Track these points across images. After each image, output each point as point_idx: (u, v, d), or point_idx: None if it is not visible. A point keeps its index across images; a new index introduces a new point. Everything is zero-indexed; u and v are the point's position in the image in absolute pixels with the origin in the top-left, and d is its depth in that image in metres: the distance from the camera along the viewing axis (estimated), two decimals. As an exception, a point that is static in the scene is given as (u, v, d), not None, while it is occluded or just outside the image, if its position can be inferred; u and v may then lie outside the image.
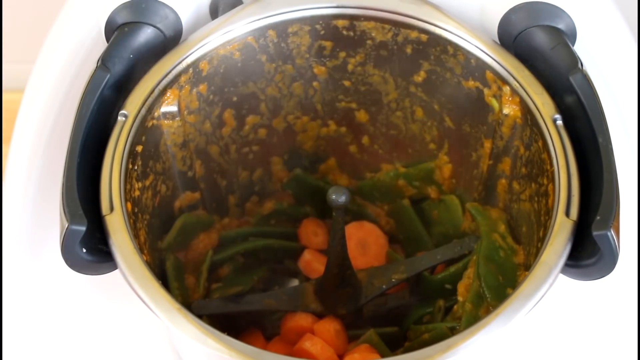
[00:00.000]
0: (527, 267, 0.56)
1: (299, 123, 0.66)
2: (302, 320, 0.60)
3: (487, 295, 0.56)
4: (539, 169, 0.55)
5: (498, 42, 0.58)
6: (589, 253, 0.49)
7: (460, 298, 0.59)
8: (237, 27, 0.59)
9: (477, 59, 0.58)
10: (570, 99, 0.54)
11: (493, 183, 0.61)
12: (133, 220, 0.53)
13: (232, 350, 0.46)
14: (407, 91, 0.63)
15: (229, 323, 0.61)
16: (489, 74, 0.58)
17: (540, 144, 0.54)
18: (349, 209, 0.67)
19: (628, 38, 0.64)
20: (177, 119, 0.59)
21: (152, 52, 0.57)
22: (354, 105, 0.65)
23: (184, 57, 0.58)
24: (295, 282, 0.67)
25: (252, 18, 0.59)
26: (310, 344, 0.58)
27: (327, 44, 0.62)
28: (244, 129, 0.65)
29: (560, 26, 0.57)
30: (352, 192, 0.66)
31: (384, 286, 0.61)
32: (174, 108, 0.58)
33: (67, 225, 0.48)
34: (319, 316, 0.61)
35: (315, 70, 0.63)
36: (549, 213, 0.52)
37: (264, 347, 0.59)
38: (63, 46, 0.64)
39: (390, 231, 0.68)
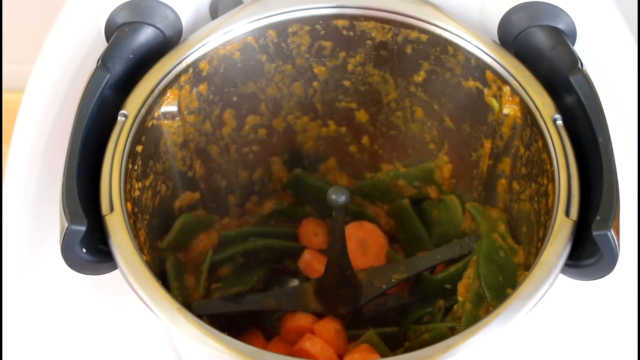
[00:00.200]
0: (527, 267, 0.56)
1: (299, 123, 0.66)
2: (302, 320, 0.60)
3: (487, 295, 0.56)
4: (539, 169, 0.55)
5: (498, 42, 0.58)
6: (589, 253, 0.49)
7: (460, 298, 0.59)
8: (237, 27, 0.59)
9: (477, 59, 0.58)
10: (570, 99, 0.54)
11: (493, 183, 0.61)
12: (133, 220, 0.53)
13: (232, 350, 0.46)
14: (407, 91, 0.63)
15: (229, 323, 0.61)
16: (489, 74, 0.58)
17: (540, 144, 0.54)
18: (349, 209, 0.67)
19: (628, 38, 0.64)
20: (177, 119, 0.59)
21: (152, 52, 0.57)
22: (354, 105, 0.65)
23: (184, 57, 0.58)
24: (295, 282, 0.67)
25: (252, 18, 0.59)
26: (310, 344, 0.58)
27: (327, 44, 0.62)
28: (244, 129, 0.65)
29: (560, 26, 0.57)
30: (352, 192, 0.66)
31: (384, 286, 0.61)
32: (174, 108, 0.58)
33: (67, 225, 0.48)
34: (319, 316, 0.61)
35: (315, 70, 0.63)
36: (549, 213, 0.52)
37: (264, 347, 0.59)
38: (63, 46, 0.64)
39: (390, 231, 0.68)
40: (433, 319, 0.61)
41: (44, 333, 0.60)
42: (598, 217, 0.48)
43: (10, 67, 1.01)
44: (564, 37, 0.56)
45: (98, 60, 0.55)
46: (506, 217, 0.60)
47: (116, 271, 0.50)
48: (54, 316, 0.60)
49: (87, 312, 0.60)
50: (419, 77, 0.62)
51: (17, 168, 0.62)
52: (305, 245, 0.68)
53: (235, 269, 0.65)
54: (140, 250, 0.50)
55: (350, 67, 0.63)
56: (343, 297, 0.60)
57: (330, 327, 0.60)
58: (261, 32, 0.60)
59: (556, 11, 0.57)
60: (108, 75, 0.54)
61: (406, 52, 0.61)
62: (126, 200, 0.52)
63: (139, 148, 0.55)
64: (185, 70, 0.58)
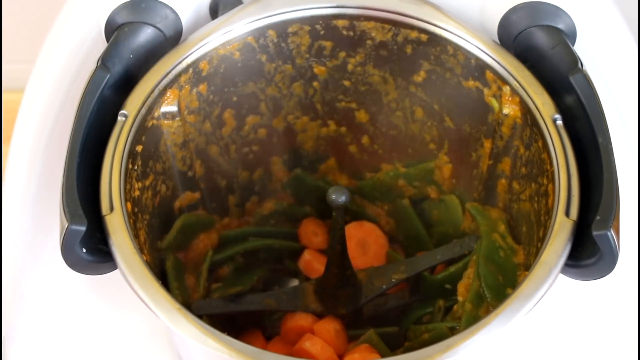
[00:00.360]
0: (527, 267, 0.56)
1: (299, 123, 0.66)
2: (302, 320, 0.60)
3: (487, 295, 0.56)
4: (539, 169, 0.55)
5: (498, 42, 0.58)
6: (589, 253, 0.49)
7: (460, 298, 0.59)
8: (237, 27, 0.59)
9: (477, 59, 0.58)
10: (570, 99, 0.54)
11: (493, 183, 0.61)
12: (133, 220, 0.53)
13: (232, 350, 0.46)
14: (407, 91, 0.63)
15: (229, 323, 0.61)
16: (489, 74, 0.58)
17: (540, 144, 0.54)
18: (349, 209, 0.67)
19: (628, 38, 0.64)
20: (177, 119, 0.59)
21: (152, 52, 0.57)
22: (354, 105, 0.65)
23: (184, 57, 0.58)
24: (295, 282, 0.67)
25: (252, 18, 0.59)
26: (310, 344, 0.58)
27: (327, 44, 0.62)
28: (244, 129, 0.65)
29: (560, 26, 0.57)
30: (352, 192, 0.66)
31: (384, 286, 0.61)
32: (174, 108, 0.58)
33: (67, 225, 0.48)
34: (319, 316, 0.61)
35: (315, 70, 0.63)
36: (549, 213, 0.52)
37: (264, 347, 0.59)
38: (63, 46, 0.64)
39: (390, 231, 0.68)
40: (433, 319, 0.61)
41: (44, 333, 0.60)
42: (598, 217, 0.48)
43: (10, 67, 1.01)
44: (564, 37, 0.56)
45: (98, 60, 0.55)
46: (506, 217, 0.60)
47: (116, 271, 0.50)
48: (54, 316, 0.60)
49: (87, 312, 0.60)
50: (419, 77, 0.62)
51: (17, 168, 0.62)
52: (305, 245, 0.68)
53: (235, 269, 0.65)
54: (140, 250, 0.50)
55: (350, 67, 0.63)
56: (343, 297, 0.60)
57: (330, 327, 0.60)
58: (261, 32, 0.60)
59: (556, 11, 0.57)
60: (108, 75, 0.54)
61: (406, 52, 0.61)
62: (126, 200, 0.52)
63: (139, 148, 0.55)
64: (185, 70, 0.58)
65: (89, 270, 0.50)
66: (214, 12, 0.62)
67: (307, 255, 0.67)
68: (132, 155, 0.54)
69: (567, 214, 0.50)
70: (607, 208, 0.48)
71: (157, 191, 0.59)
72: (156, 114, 0.57)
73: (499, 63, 0.57)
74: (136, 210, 0.55)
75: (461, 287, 0.59)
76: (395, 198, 0.67)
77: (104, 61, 0.55)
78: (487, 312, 0.53)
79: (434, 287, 0.62)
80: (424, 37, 0.59)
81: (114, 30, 0.57)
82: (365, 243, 0.67)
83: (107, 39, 0.58)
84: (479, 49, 0.58)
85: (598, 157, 0.51)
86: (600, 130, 0.51)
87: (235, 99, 0.63)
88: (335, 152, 0.68)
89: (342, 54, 0.62)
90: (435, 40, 0.59)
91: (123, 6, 0.57)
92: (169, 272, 0.60)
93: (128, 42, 0.56)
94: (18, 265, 0.60)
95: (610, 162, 0.50)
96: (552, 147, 0.53)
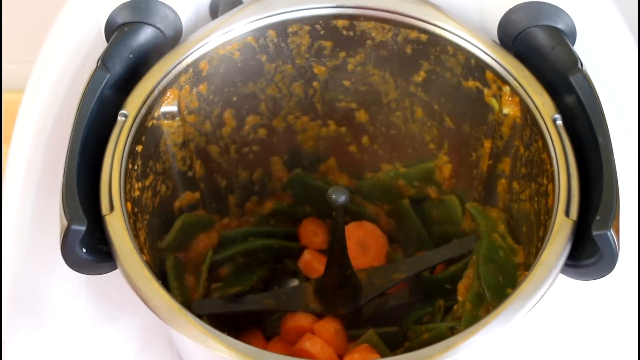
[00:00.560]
0: (527, 267, 0.56)
1: (299, 123, 0.66)
2: (302, 320, 0.60)
3: (487, 295, 0.56)
4: (538, 169, 0.55)
5: (498, 42, 0.58)
6: (589, 253, 0.49)
7: (460, 298, 0.59)
8: (237, 27, 0.59)
9: (477, 59, 0.58)
10: (570, 99, 0.54)
11: (493, 183, 0.61)
12: (133, 220, 0.53)
13: (232, 350, 0.46)
14: (407, 91, 0.63)
15: (229, 323, 0.61)
16: (489, 74, 0.58)
17: (540, 144, 0.54)
18: (349, 208, 0.67)
19: (628, 38, 0.64)
20: (177, 119, 0.59)
21: (152, 52, 0.57)
22: (354, 105, 0.65)
23: (184, 57, 0.58)
24: (295, 282, 0.67)
25: (252, 18, 0.59)
26: (310, 344, 0.58)
27: (327, 44, 0.62)
28: (244, 129, 0.65)
29: (560, 26, 0.57)
30: (352, 192, 0.66)
31: (384, 286, 0.61)
32: (174, 108, 0.58)
33: (67, 225, 0.48)
34: (319, 316, 0.61)
35: (315, 70, 0.63)
36: (548, 213, 0.52)
37: (264, 347, 0.59)
38: (63, 46, 0.64)
39: (390, 231, 0.68)
40: (433, 319, 0.61)
41: (44, 333, 0.60)
42: (598, 217, 0.48)
43: (10, 67, 1.01)
44: (563, 37, 0.56)
45: (98, 60, 0.55)
46: (506, 217, 0.60)
47: (116, 271, 0.50)
48: (54, 316, 0.60)
49: (87, 311, 0.60)
50: (419, 77, 0.62)
51: (17, 168, 0.62)
52: (305, 245, 0.68)
53: (235, 269, 0.65)
54: (140, 250, 0.50)
55: (350, 67, 0.63)
56: (343, 297, 0.60)
57: (330, 327, 0.60)
58: (261, 32, 0.60)
59: (556, 11, 0.57)
60: (108, 75, 0.54)
61: (406, 52, 0.61)
62: (126, 200, 0.52)
63: (139, 148, 0.55)
64: (185, 70, 0.58)
65: (89, 270, 0.50)
66: (214, 12, 0.62)
67: (307, 255, 0.67)
68: (132, 155, 0.54)
69: (567, 214, 0.50)
70: (607, 208, 0.48)
71: (157, 191, 0.59)
72: (156, 114, 0.57)
73: (499, 63, 0.57)
74: (136, 210, 0.55)
75: (461, 287, 0.59)
76: (395, 198, 0.67)
77: (104, 61, 0.55)
78: (487, 312, 0.53)
79: (434, 287, 0.62)
80: (424, 37, 0.59)
81: (114, 30, 0.57)
82: (365, 243, 0.67)
83: (107, 39, 0.58)
84: (479, 49, 0.58)
85: (598, 157, 0.50)
86: (600, 130, 0.51)
87: (235, 99, 0.63)
88: (335, 152, 0.68)
89: (342, 54, 0.62)
90: (435, 40, 0.59)
91: (123, 6, 0.57)
92: (169, 272, 0.60)
93: (128, 42, 0.56)
94: (18, 266, 0.60)
95: (610, 162, 0.50)
96: (552, 147, 0.53)
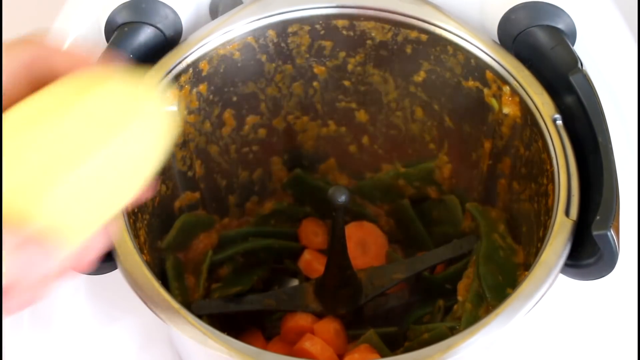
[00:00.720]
0: (527, 267, 0.56)
1: (299, 123, 0.66)
2: (302, 320, 0.60)
3: (487, 295, 0.56)
4: (538, 169, 0.55)
5: (498, 42, 0.58)
6: (589, 253, 0.49)
7: (460, 298, 0.59)
8: (237, 27, 0.59)
9: (477, 59, 0.58)
10: (570, 99, 0.54)
11: (493, 183, 0.61)
12: (133, 220, 0.53)
13: (232, 350, 0.46)
14: (407, 91, 0.63)
15: (229, 323, 0.61)
16: (489, 74, 0.58)
17: (540, 144, 0.54)
18: (349, 209, 0.67)
19: (628, 38, 0.64)
20: (177, 119, 0.59)
21: (152, 52, 0.57)
22: (354, 105, 0.65)
23: (184, 57, 0.58)
24: (295, 282, 0.67)
25: (252, 18, 0.59)
26: (310, 344, 0.58)
27: (327, 44, 0.62)
28: (244, 128, 0.65)
29: (560, 26, 0.57)
30: (352, 192, 0.66)
31: (384, 286, 0.61)
32: (173, 108, 0.58)
33: (67, 225, 0.48)
34: (319, 316, 0.61)
35: (315, 70, 0.63)
36: (548, 213, 0.52)
37: (264, 347, 0.59)
38: (63, 46, 0.64)
39: (390, 231, 0.68)
40: (433, 319, 0.61)
41: (45, 333, 0.60)
42: (598, 217, 0.48)
43: (10, 67, 1.01)
44: (563, 37, 0.56)
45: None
46: (506, 217, 0.60)
47: (116, 271, 0.50)
48: (54, 316, 0.60)
49: (87, 311, 0.60)
50: (419, 77, 0.62)
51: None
52: (305, 245, 0.68)
53: (235, 269, 0.65)
54: (140, 250, 0.50)
55: (350, 67, 0.63)
56: (343, 297, 0.60)
57: (330, 327, 0.60)
58: (261, 32, 0.60)
59: (556, 11, 0.57)
60: (108, 75, 0.54)
61: (406, 52, 0.61)
62: (126, 200, 0.52)
63: (139, 148, 0.55)
64: (185, 70, 0.58)
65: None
66: (214, 12, 0.62)
67: (307, 255, 0.67)
68: (132, 155, 0.54)
69: (567, 214, 0.50)
70: (607, 208, 0.48)
71: (157, 191, 0.59)
72: (156, 114, 0.57)
73: (499, 63, 0.57)
74: (136, 210, 0.55)
75: (461, 287, 0.59)
76: (395, 198, 0.67)
77: (104, 61, 0.55)
78: (487, 312, 0.53)
79: (434, 287, 0.62)
80: (424, 37, 0.59)
81: (114, 30, 0.57)
82: (365, 243, 0.67)
83: (107, 39, 0.58)
84: (479, 49, 0.58)
85: (598, 157, 0.50)
86: (600, 130, 0.51)
87: (235, 99, 0.63)
88: (335, 152, 0.68)
89: (342, 54, 0.62)
90: (435, 40, 0.59)
91: (123, 6, 0.57)
92: (169, 272, 0.60)
93: (128, 42, 0.56)
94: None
95: (610, 162, 0.50)
96: (552, 147, 0.53)
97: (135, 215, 0.54)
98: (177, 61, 0.57)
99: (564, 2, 0.57)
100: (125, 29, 0.57)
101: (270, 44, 0.61)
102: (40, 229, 0.35)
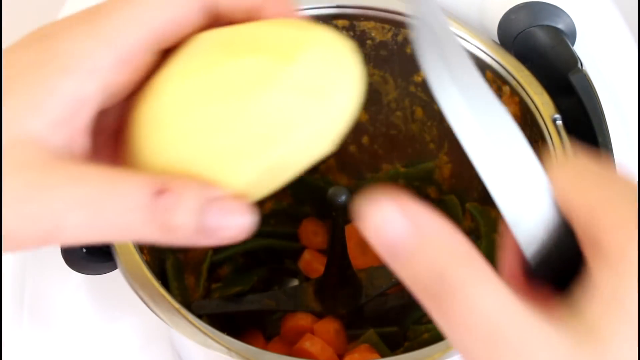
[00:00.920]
0: (527, 267, 0.56)
1: (299, 123, 0.66)
2: (302, 320, 0.60)
3: (487, 295, 0.56)
4: (538, 169, 0.55)
5: (498, 42, 0.58)
6: (589, 253, 0.49)
7: (460, 298, 0.59)
8: (237, 27, 0.59)
9: (477, 59, 0.58)
10: (570, 99, 0.54)
11: (493, 183, 0.61)
12: (133, 220, 0.53)
13: (232, 350, 0.46)
14: (407, 91, 0.63)
15: (229, 323, 0.61)
16: (488, 74, 0.58)
17: (540, 144, 0.54)
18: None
19: (628, 38, 0.64)
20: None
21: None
22: (354, 105, 0.65)
23: (184, 57, 0.57)
24: (295, 282, 0.67)
25: (252, 18, 0.59)
26: (310, 344, 0.58)
27: (327, 44, 0.61)
28: (244, 129, 0.64)
29: (560, 26, 0.57)
30: (352, 192, 0.66)
31: (384, 286, 0.61)
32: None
33: (67, 225, 0.48)
34: (319, 316, 0.61)
35: (315, 70, 0.63)
36: (548, 213, 0.52)
37: (264, 347, 0.59)
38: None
39: (390, 231, 0.68)
40: (433, 319, 0.61)
41: (45, 332, 0.60)
42: (598, 217, 0.48)
43: (10, 67, 1.01)
44: (563, 37, 0.56)
45: (98, 60, 0.55)
46: (506, 217, 0.60)
47: (116, 271, 0.50)
48: (54, 316, 0.60)
49: (87, 311, 0.60)
50: (419, 77, 0.62)
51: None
52: (305, 245, 0.68)
53: (235, 269, 0.65)
54: (140, 250, 0.50)
55: (350, 67, 0.63)
56: (343, 297, 0.60)
57: (330, 327, 0.60)
58: (261, 32, 0.60)
59: (556, 11, 0.57)
60: (108, 75, 0.54)
61: (406, 52, 0.61)
62: (126, 200, 0.52)
63: (139, 148, 0.55)
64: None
65: (89, 270, 0.50)
66: (214, 12, 0.62)
67: (307, 255, 0.67)
68: (132, 155, 0.54)
69: (567, 214, 0.50)
70: (607, 208, 0.48)
71: (157, 191, 0.59)
72: (156, 114, 0.57)
73: (498, 63, 0.57)
74: (136, 210, 0.54)
75: (461, 287, 0.59)
76: (395, 198, 0.67)
77: (104, 61, 0.55)
78: (487, 312, 0.53)
79: (434, 287, 0.62)
80: (424, 37, 0.59)
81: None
82: (365, 243, 0.67)
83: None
84: (479, 49, 0.58)
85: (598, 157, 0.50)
86: (600, 130, 0.51)
87: (235, 99, 0.62)
88: (335, 152, 0.68)
89: (342, 54, 0.62)
90: (435, 40, 0.59)
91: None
92: (169, 272, 0.60)
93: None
94: (18, 265, 0.60)
95: (610, 162, 0.50)
96: (552, 147, 0.53)
97: (135, 215, 0.54)
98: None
99: (564, 2, 0.57)
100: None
101: (270, 44, 0.60)
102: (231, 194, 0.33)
